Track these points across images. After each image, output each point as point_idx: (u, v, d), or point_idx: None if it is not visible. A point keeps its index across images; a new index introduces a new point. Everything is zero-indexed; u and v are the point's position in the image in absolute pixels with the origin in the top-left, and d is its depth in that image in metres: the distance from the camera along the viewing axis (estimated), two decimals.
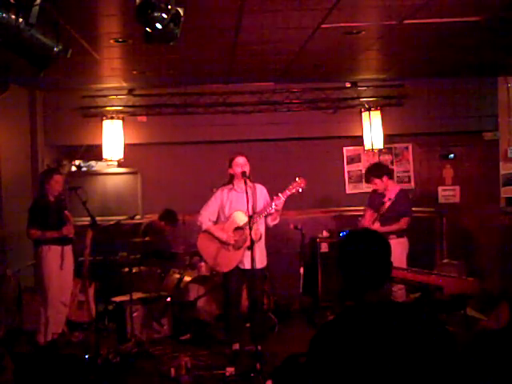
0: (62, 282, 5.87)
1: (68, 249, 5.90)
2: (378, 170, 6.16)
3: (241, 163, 5.33)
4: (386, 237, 5.97)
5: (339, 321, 2.16)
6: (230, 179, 5.47)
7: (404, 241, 5.99)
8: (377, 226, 5.88)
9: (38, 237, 5.73)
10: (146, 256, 6.68)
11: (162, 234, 6.96)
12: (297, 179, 5.35)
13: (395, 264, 5.35)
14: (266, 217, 5.40)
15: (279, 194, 5.30)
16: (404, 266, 5.75)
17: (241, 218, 5.35)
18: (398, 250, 5.87)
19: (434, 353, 2.03)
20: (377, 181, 6.06)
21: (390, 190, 6.04)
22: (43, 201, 5.82)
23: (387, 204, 5.85)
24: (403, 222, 5.97)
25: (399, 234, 5.94)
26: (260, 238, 5.36)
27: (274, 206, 5.28)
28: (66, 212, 5.84)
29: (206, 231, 5.47)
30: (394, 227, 5.91)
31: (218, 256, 5.42)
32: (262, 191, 5.49)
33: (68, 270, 5.94)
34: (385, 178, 6.05)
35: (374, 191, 6.25)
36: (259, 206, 5.39)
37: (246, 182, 5.15)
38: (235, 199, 5.41)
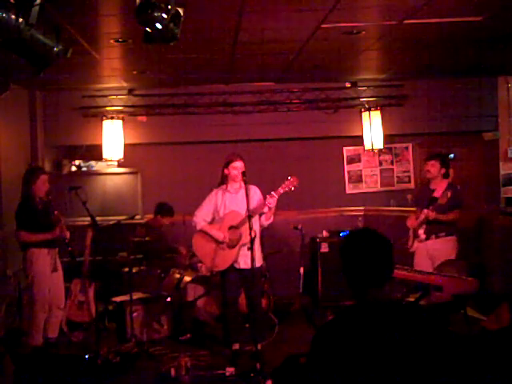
0: (55, 286, 5.69)
1: (56, 251, 5.70)
2: (445, 159, 6.15)
3: (238, 167, 5.35)
4: (436, 232, 5.76)
5: (340, 320, 2.16)
6: (223, 180, 5.50)
7: (454, 239, 5.95)
8: (434, 214, 5.78)
9: (30, 239, 5.49)
10: (146, 256, 6.68)
11: (160, 230, 6.95)
12: (289, 178, 5.40)
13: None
14: (260, 215, 5.42)
15: (272, 193, 5.32)
16: None
17: (235, 217, 5.37)
18: (449, 248, 5.86)
19: (435, 352, 2.03)
20: (437, 164, 6.00)
21: (439, 183, 6.01)
22: (30, 202, 5.55)
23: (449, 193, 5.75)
24: (457, 213, 5.93)
25: (449, 231, 5.91)
26: (254, 237, 5.36)
27: (267, 204, 5.31)
28: (56, 212, 5.64)
29: (201, 231, 5.48)
30: (451, 216, 5.86)
31: (213, 255, 5.42)
32: (255, 192, 5.50)
33: (59, 273, 5.77)
34: (443, 170, 6.03)
35: (425, 185, 6.23)
36: (252, 205, 5.41)
37: (245, 182, 5.17)
38: (229, 200, 5.45)
